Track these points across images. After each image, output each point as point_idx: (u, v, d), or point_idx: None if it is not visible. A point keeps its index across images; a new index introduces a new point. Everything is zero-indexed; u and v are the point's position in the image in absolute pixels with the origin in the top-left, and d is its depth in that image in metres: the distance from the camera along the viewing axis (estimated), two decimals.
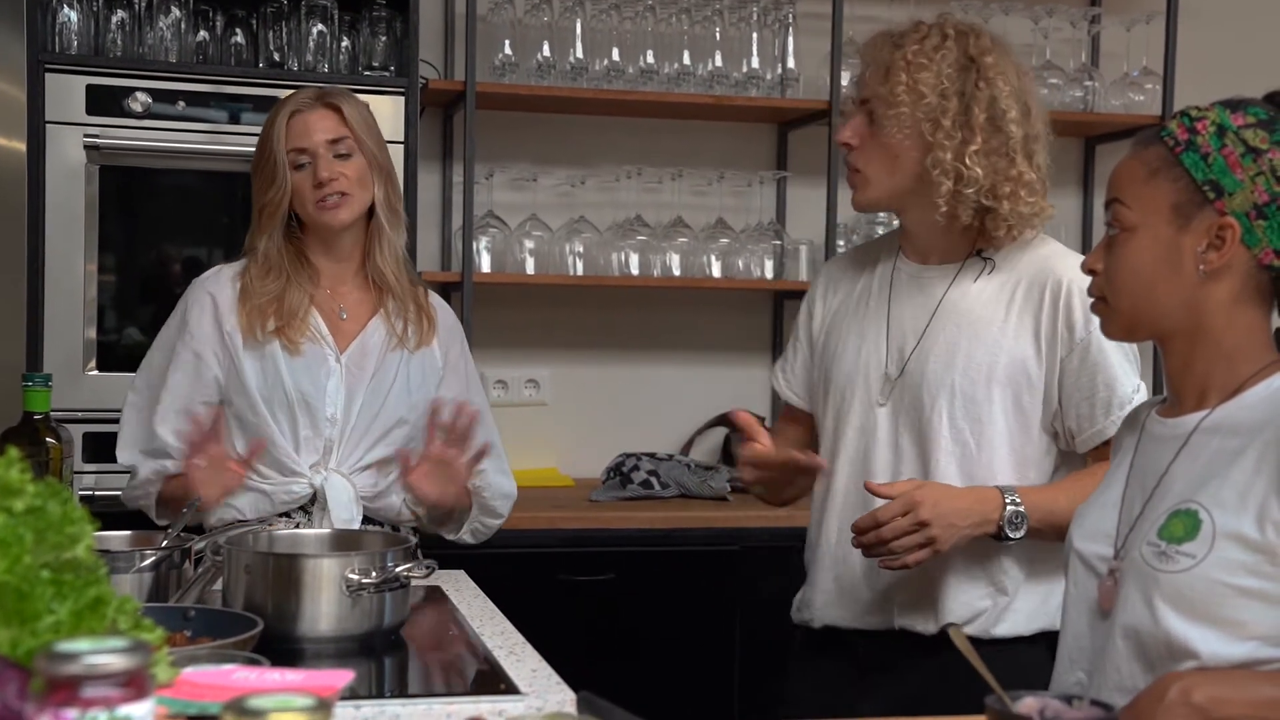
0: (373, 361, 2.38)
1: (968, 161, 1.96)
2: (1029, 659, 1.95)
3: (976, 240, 2.04)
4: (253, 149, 2.43)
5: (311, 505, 2.35)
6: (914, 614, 2.01)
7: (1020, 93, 2.01)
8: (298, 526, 2.28)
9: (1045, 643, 1.97)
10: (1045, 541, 1.96)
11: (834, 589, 2.08)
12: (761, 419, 3.80)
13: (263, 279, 2.36)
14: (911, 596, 2.01)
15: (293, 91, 2.45)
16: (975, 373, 1.99)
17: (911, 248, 2.11)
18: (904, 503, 1.90)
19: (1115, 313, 1.58)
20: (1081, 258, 2.01)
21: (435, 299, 2.52)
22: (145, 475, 2.32)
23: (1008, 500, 1.93)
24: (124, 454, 2.37)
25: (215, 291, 2.38)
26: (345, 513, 2.32)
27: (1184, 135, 1.51)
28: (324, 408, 2.34)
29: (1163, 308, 1.53)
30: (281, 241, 2.38)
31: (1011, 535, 1.93)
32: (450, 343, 2.49)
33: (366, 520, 2.36)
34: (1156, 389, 3.67)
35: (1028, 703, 1.19)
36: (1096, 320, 1.83)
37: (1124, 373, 1.96)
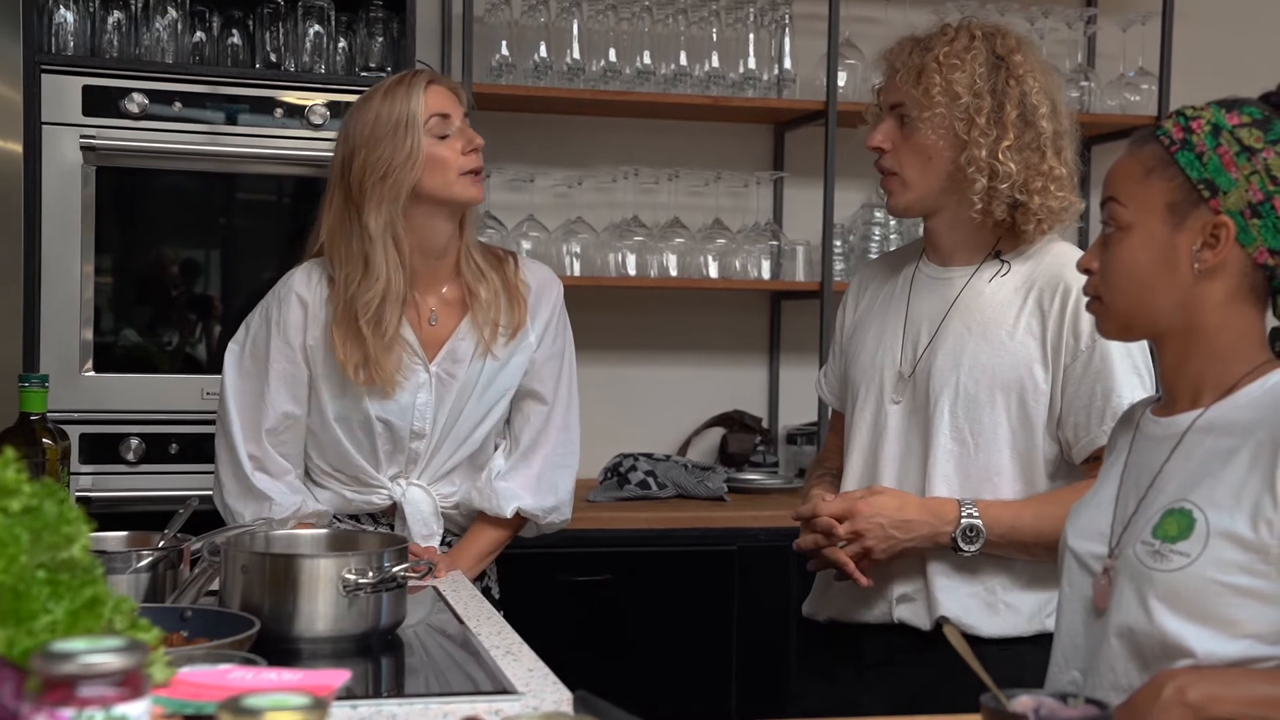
0: (462, 369, 2.28)
1: (1001, 157, 1.98)
2: (1030, 659, 1.95)
3: (1000, 241, 2.06)
4: (248, 150, 2.42)
5: (388, 514, 2.33)
6: (909, 608, 2.03)
7: (1048, 89, 2.03)
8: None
9: (1046, 644, 1.98)
10: (1012, 555, 1.98)
11: (839, 582, 2.10)
12: (759, 420, 3.85)
13: (365, 285, 2.19)
14: (907, 590, 2.03)
15: (400, 73, 2.29)
16: (979, 373, 2.00)
17: (934, 250, 2.13)
18: (842, 508, 1.98)
19: (1110, 311, 1.58)
20: None
21: (530, 269, 2.39)
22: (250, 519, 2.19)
23: (964, 513, 1.95)
24: (231, 500, 2.25)
25: (303, 293, 2.27)
26: (424, 528, 2.29)
27: (1179, 134, 1.51)
28: (411, 423, 2.27)
29: (1158, 306, 1.53)
30: (400, 222, 2.21)
31: (965, 548, 1.96)
32: (546, 314, 2.36)
33: (448, 533, 2.34)
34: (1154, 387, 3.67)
35: (1023, 701, 1.19)
36: None
37: (1125, 384, 1.95)
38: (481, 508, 2.32)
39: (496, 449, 2.38)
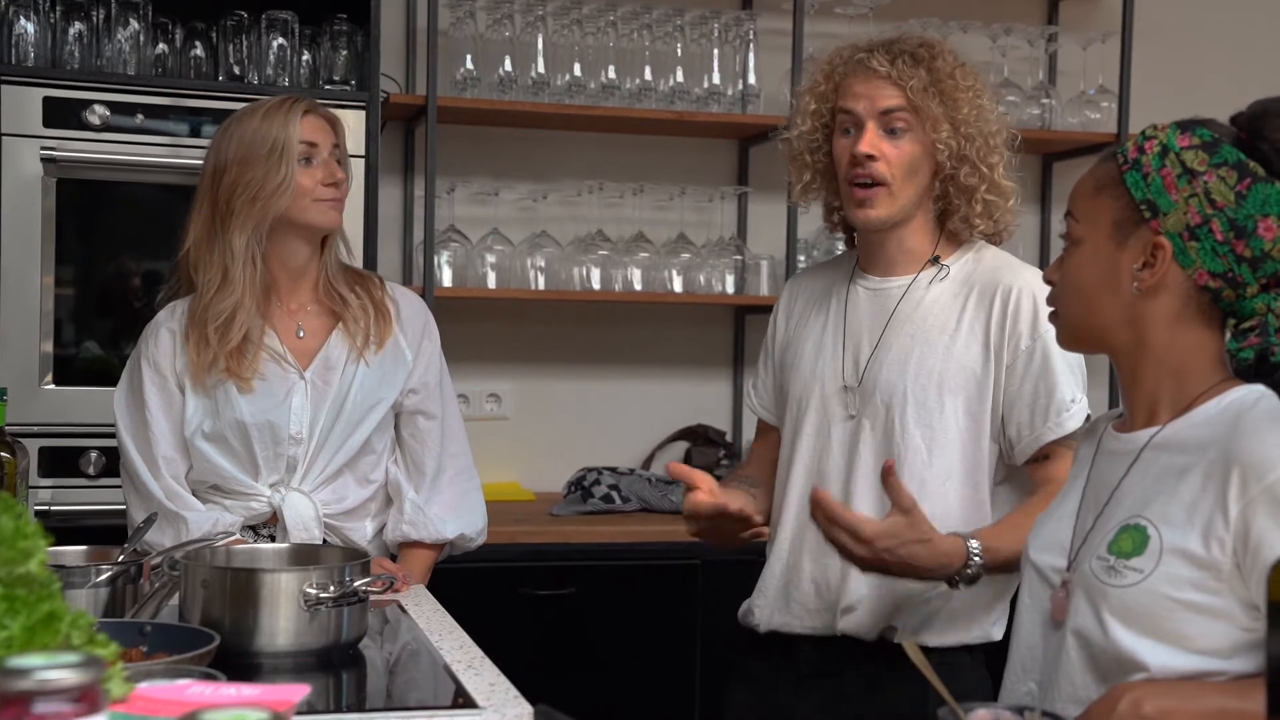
0: (336, 375, 2.35)
1: (950, 158, 2.02)
2: (968, 671, 1.97)
3: (935, 247, 2.08)
4: None
5: (269, 524, 2.34)
6: (852, 619, 2.02)
7: (989, 106, 2.07)
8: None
9: (983, 655, 2.00)
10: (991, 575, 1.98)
11: (782, 594, 2.10)
12: (722, 434, 3.86)
13: (220, 295, 2.29)
14: (850, 602, 2.02)
15: (281, 96, 2.37)
16: (928, 380, 2.02)
17: (874, 264, 2.13)
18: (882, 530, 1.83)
19: (1062, 323, 1.61)
20: (1032, 267, 2.08)
21: (396, 290, 2.48)
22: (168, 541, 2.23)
23: (972, 555, 1.85)
24: (149, 534, 2.25)
25: (170, 324, 2.36)
26: (304, 533, 2.30)
27: (1133, 154, 1.53)
28: (288, 426, 2.31)
29: (1104, 322, 1.55)
30: (263, 242, 2.31)
31: (961, 586, 1.87)
32: (417, 331, 2.44)
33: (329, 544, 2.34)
34: (1116, 403, 3.71)
35: (980, 715, 1.19)
36: (1044, 329, 1.85)
37: (1065, 382, 1.97)
38: (419, 538, 2.38)
39: (394, 467, 2.42)
